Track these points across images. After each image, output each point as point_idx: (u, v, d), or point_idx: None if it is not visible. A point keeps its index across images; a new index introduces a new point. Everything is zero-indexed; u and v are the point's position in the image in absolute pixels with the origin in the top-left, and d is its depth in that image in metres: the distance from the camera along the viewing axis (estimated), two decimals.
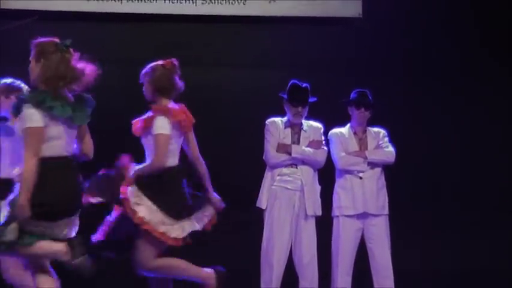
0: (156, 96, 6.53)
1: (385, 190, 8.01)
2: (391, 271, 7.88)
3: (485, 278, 9.01)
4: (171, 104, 6.53)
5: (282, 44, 9.54)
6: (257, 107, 8.65)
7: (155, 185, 6.53)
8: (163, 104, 6.49)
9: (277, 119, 7.93)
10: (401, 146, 8.20)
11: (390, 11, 9.63)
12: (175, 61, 6.61)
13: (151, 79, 6.53)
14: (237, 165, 8.75)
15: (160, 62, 6.59)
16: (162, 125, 6.40)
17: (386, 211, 7.95)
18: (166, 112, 6.45)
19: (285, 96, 7.87)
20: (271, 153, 7.75)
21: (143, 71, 6.60)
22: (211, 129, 8.45)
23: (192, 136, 6.71)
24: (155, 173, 6.54)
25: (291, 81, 7.93)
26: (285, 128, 7.86)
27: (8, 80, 6.88)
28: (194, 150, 6.73)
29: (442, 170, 9.47)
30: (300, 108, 7.78)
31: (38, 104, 5.38)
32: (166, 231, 6.29)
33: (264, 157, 7.86)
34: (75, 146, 5.70)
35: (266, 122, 7.93)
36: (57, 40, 5.56)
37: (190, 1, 9.45)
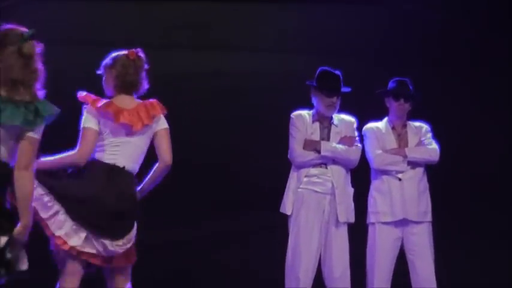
0: (116, 92, 6.04)
1: (427, 193, 7.47)
2: (434, 281, 7.35)
3: None
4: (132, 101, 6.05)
5: (309, 26, 9.35)
6: (281, 98, 8.43)
7: None
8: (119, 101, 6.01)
9: (304, 112, 7.43)
10: (447, 143, 7.71)
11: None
12: (141, 52, 6.10)
13: (113, 72, 6.05)
14: (259, 164, 8.62)
15: (124, 52, 6.08)
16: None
17: (429, 218, 7.38)
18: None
19: (315, 84, 7.32)
20: (297, 151, 7.26)
21: (104, 61, 6.10)
22: (230, 121, 8.64)
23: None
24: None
25: (321, 68, 7.41)
26: (313, 122, 7.37)
27: None
28: None
29: (494, 171, 9.09)
30: (334, 99, 7.26)
31: None
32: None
33: (289, 155, 7.35)
34: None
35: (291, 115, 7.41)
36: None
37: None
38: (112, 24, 9.32)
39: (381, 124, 7.52)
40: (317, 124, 7.32)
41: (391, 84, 7.49)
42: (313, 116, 7.36)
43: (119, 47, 6.21)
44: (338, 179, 7.28)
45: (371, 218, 7.41)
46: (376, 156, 7.39)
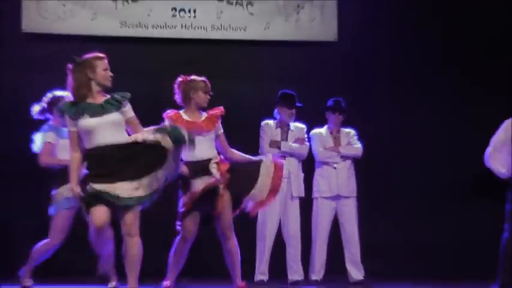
0: (183, 104, 7.03)
1: (354, 178, 8.92)
2: (358, 241, 8.76)
3: (427, 250, 9.55)
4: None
5: (274, 61, 10.13)
6: (254, 111, 9.17)
7: None
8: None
9: (270, 121, 8.72)
10: (368, 143, 9.03)
11: (358, 36, 10.22)
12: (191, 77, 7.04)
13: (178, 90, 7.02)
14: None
15: (185, 77, 7.03)
16: None
17: (355, 194, 8.86)
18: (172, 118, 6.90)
19: (279, 101, 8.70)
20: (265, 148, 8.56)
21: (176, 83, 7.04)
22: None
23: None
24: None
25: (282, 90, 8.76)
26: (276, 128, 8.70)
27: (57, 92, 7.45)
28: None
29: (401, 163, 9.88)
30: (293, 110, 8.61)
31: None
32: None
33: (259, 151, 8.50)
34: None
35: (261, 123, 8.73)
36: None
37: (202, 28, 10.13)
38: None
39: (323, 130, 8.92)
40: (279, 129, 8.67)
41: (329, 102, 8.87)
42: (276, 123, 8.69)
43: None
44: (293, 167, 8.63)
45: (315, 194, 8.88)
46: (319, 152, 8.84)
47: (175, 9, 10.10)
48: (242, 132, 8.72)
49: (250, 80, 9.84)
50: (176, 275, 7.05)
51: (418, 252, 9.55)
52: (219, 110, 7.07)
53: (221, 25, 10.22)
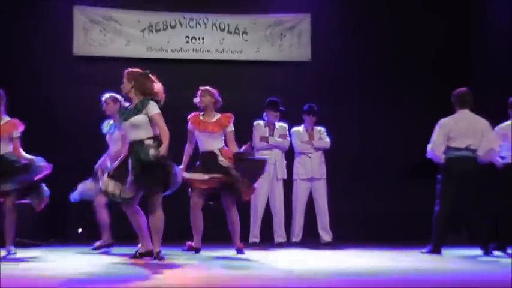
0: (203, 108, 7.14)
1: (324, 164, 8.83)
2: (327, 213, 8.71)
3: (380, 218, 9.44)
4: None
5: (263, 76, 10.10)
6: (248, 114, 8.78)
7: None
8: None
9: (260, 121, 8.67)
10: (336, 137, 8.92)
11: (326, 57, 10.10)
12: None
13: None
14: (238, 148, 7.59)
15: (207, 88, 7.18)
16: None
17: (324, 176, 8.80)
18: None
19: (267, 106, 8.60)
20: (257, 141, 8.56)
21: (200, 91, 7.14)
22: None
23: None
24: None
25: (269, 98, 8.66)
26: (265, 126, 8.66)
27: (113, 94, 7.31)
28: None
29: (361, 152, 9.80)
30: (277, 113, 8.59)
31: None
32: None
33: (252, 144, 8.25)
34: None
35: (254, 123, 8.65)
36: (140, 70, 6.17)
37: (209, 51, 10.10)
38: None
39: (300, 128, 8.84)
40: (267, 128, 8.64)
41: (305, 107, 8.78)
42: (264, 123, 8.65)
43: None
44: (277, 156, 8.62)
45: (295, 176, 8.80)
46: (298, 145, 8.78)
47: (188, 38, 10.13)
48: (239, 129, 8.04)
49: (245, 90, 9.72)
50: (200, 237, 7.13)
51: (373, 221, 9.45)
52: (229, 117, 7.18)
53: (223, 49, 10.22)
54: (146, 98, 6.14)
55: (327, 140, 8.88)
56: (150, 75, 6.26)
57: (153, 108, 6.08)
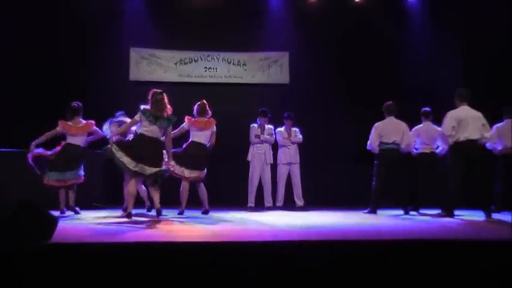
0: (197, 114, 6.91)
1: (298, 153, 8.54)
2: (300, 186, 8.48)
3: (339, 190, 9.15)
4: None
5: (257, 94, 9.86)
6: (247, 118, 8.67)
7: None
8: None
9: (255, 124, 8.46)
10: (307, 135, 8.64)
11: (300, 80, 9.87)
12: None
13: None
14: (240, 142, 8.55)
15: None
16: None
17: (298, 162, 8.51)
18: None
19: (260, 114, 8.42)
20: (253, 138, 8.40)
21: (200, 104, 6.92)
22: (229, 127, 8.31)
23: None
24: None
25: (261, 108, 8.50)
26: (258, 127, 8.43)
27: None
28: None
29: (325, 144, 9.41)
30: (266, 119, 8.40)
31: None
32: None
33: (250, 139, 8.41)
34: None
35: (250, 125, 8.46)
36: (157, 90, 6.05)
37: (220, 77, 9.96)
38: None
39: (282, 128, 8.57)
40: (259, 128, 8.41)
41: (285, 114, 8.53)
42: (258, 125, 8.43)
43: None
44: (266, 148, 8.43)
45: (278, 161, 8.53)
46: (280, 140, 8.50)
47: (206, 68, 10.05)
48: (240, 131, 8.61)
49: (245, 103, 9.56)
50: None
51: (333, 191, 9.21)
52: (213, 122, 6.96)
53: (229, 75, 10.12)
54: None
55: (300, 136, 8.66)
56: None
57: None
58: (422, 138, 7.71)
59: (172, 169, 6.29)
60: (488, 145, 7.53)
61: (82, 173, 6.86)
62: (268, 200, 8.54)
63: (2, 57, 8.85)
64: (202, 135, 6.89)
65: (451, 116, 6.70)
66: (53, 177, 6.61)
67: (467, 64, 9.55)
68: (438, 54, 9.86)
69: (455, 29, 9.82)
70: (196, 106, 7.00)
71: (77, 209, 6.85)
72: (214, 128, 6.96)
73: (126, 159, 5.79)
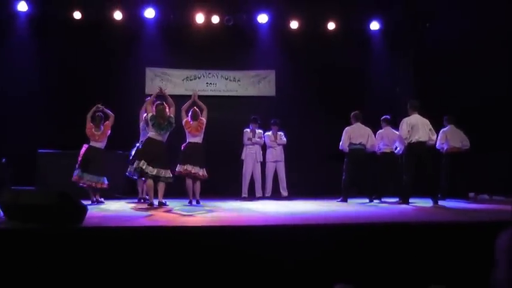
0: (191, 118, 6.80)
1: (283, 152, 8.39)
2: (285, 180, 8.33)
3: (318, 184, 8.96)
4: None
5: (249, 104, 9.64)
6: (241, 124, 8.44)
7: None
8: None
9: (247, 129, 8.27)
10: (290, 138, 8.52)
11: (283, 93, 9.82)
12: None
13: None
14: (235, 144, 8.36)
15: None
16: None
17: (283, 160, 8.38)
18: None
19: (251, 120, 8.27)
20: (246, 140, 8.24)
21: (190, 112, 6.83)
22: (225, 132, 8.61)
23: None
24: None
25: (252, 116, 8.34)
26: (250, 131, 8.26)
27: None
28: None
29: (304, 146, 9.17)
30: (256, 124, 8.27)
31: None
32: None
33: (243, 141, 8.25)
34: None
35: (243, 130, 8.28)
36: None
37: (219, 91, 9.88)
38: None
39: (270, 132, 8.41)
40: (251, 132, 8.25)
41: (272, 121, 8.40)
42: (250, 130, 8.25)
43: None
44: (257, 149, 8.28)
45: (266, 160, 8.36)
46: (268, 142, 8.37)
47: (208, 83, 10.01)
48: (235, 134, 8.48)
49: (239, 112, 9.34)
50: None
51: (313, 184, 9.04)
52: (202, 121, 6.86)
53: (227, 89, 10.05)
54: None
55: (284, 139, 8.55)
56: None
57: None
58: (384, 140, 7.73)
59: (178, 170, 6.42)
60: (437, 146, 7.66)
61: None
62: (258, 192, 8.42)
63: (48, 78, 9.01)
64: (197, 136, 6.85)
65: (406, 122, 6.77)
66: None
67: (416, 81, 9.58)
68: (394, 73, 9.98)
69: (407, 53, 9.82)
70: (190, 113, 6.93)
71: (102, 199, 6.75)
72: (204, 120, 6.88)
73: (142, 164, 5.85)
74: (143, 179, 6.30)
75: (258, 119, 8.38)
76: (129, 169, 6.59)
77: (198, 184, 6.82)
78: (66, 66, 8.99)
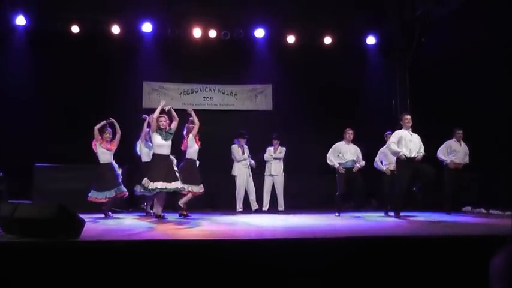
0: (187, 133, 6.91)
1: (282, 165, 8.36)
2: (282, 193, 8.32)
3: (313, 195, 9.04)
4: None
5: (246, 118, 9.66)
6: (230, 139, 8.37)
7: None
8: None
9: (235, 145, 8.22)
10: (287, 152, 8.41)
11: (280, 108, 9.88)
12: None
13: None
14: (226, 160, 8.30)
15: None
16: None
17: (282, 173, 8.36)
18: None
19: (240, 135, 8.20)
20: (237, 157, 8.19)
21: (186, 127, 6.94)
22: (222, 146, 8.42)
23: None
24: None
25: (242, 130, 8.28)
26: (238, 147, 8.20)
27: None
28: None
29: (300, 160, 8.91)
30: (245, 140, 8.21)
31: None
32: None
33: (232, 157, 8.21)
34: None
35: (232, 146, 8.22)
36: None
37: (216, 105, 9.92)
38: None
39: (272, 148, 8.35)
40: (240, 148, 8.18)
41: (274, 135, 8.35)
42: (237, 144, 8.17)
43: None
44: (247, 163, 8.19)
45: (265, 173, 8.39)
46: (267, 157, 8.38)
47: (204, 97, 10.06)
48: (225, 149, 8.45)
49: (235, 126, 8.96)
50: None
51: (309, 198, 9.11)
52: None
53: (224, 103, 10.11)
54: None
55: (282, 154, 8.49)
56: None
57: None
58: (388, 157, 7.53)
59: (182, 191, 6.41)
60: (439, 158, 7.60)
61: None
62: (254, 205, 8.37)
63: (45, 92, 8.99)
64: (194, 152, 6.91)
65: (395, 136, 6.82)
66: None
67: (412, 94, 9.72)
68: (390, 86, 10.08)
69: (404, 67, 9.96)
70: (185, 128, 6.97)
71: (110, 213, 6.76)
72: (195, 132, 6.90)
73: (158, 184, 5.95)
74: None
75: (246, 133, 8.27)
76: (139, 189, 6.65)
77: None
78: (63, 80, 9.00)
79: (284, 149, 8.44)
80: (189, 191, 6.62)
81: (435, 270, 3.43)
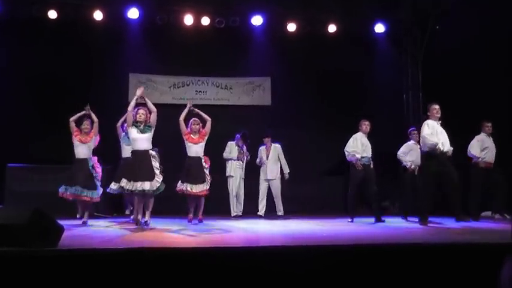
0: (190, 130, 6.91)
1: (279, 168, 8.35)
2: (280, 197, 8.31)
3: (313, 200, 9.19)
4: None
5: (242, 114, 9.80)
6: (232, 135, 8.48)
7: None
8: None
9: (233, 142, 8.41)
10: (287, 150, 8.48)
11: (280, 102, 9.90)
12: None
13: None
14: (219, 160, 8.20)
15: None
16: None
17: (279, 176, 8.37)
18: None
19: (244, 137, 8.41)
20: (234, 155, 8.38)
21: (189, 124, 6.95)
22: (216, 145, 7.99)
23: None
24: None
25: (243, 131, 8.46)
26: (236, 146, 8.40)
27: None
28: None
29: (299, 160, 8.96)
30: (244, 140, 8.41)
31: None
32: None
33: (224, 154, 8.37)
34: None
35: (228, 143, 8.40)
36: None
37: (209, 99, 9.92)
38: None
39: (264, 147, 8.40)
40: (237, 147, 8.38)
41: (267, 132, 8.48)
42: (236, 144, 8.37)
43: None
44: (242, 163, 8.41)
45: (260, 177, 8.44)
46: (260, 158, 8.42)
47: (197, 91, 10.10)
48: (221, 146, 8.49)
49: (230, 122, 9.14)
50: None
51: (310, 201, 9.22)
52: (204, 133, 6.92)
53: (218, 98, 10.12)
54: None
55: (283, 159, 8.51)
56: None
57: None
58: (412, 154, 7.57)
59: (178, 189, 6.52)
60: (470, 155, 7.46)
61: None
62: (236, 210, 8.45)
63: (18, 85, 8.93)
64: (198, 147, 6.93)
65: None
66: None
67: (425, 86, 9.78)
68: (401, 78, 10.22)
69: (415, 57, 10.05)
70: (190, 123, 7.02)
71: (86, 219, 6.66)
72: (206, 132, 6.98)
73: (122, 182, 5.87)
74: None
75: (248, 138, 8.41)
76: (111, 186, 6.73)
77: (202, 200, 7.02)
78: (39, 71, 8.91)
79: (279, 146, 8.44)
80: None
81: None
